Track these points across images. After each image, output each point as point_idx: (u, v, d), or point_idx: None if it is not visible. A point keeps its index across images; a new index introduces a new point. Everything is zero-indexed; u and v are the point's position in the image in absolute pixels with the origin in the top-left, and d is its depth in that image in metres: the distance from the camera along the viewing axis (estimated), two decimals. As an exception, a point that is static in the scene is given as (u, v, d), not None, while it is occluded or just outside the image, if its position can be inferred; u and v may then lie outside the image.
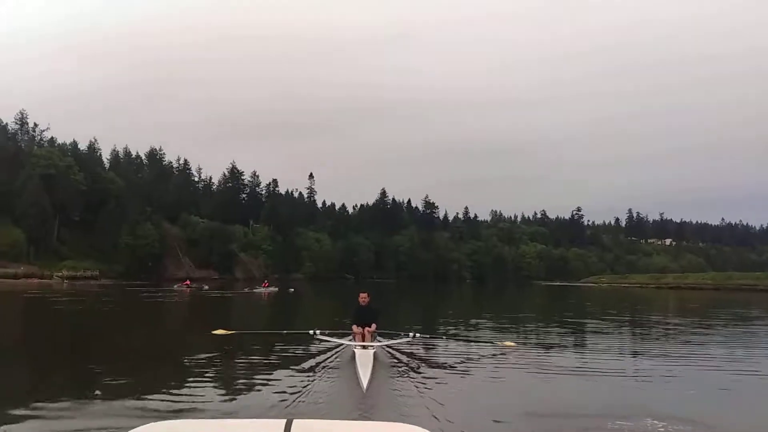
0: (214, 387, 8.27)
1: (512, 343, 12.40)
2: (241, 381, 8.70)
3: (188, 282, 55.45)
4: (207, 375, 9.24)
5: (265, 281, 53.50)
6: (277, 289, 49.42)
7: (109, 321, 22.38)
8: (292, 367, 9.81)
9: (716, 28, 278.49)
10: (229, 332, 11.98)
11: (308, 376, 8.85)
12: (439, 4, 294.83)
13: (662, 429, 6.40)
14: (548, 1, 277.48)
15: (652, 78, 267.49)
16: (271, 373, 9.26)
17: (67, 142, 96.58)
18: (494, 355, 11.85)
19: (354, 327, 11.17)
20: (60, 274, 65.77)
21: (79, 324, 20.99)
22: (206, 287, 54.25)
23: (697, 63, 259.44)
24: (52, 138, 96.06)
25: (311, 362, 10.26)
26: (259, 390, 7.99)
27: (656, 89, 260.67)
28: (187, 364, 10.24)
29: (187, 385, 8.44)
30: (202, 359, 10.73)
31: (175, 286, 51.11)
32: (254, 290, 47.68)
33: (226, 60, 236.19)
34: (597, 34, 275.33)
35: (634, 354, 13.88)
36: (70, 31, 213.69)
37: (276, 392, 7.74)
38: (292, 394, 7.59)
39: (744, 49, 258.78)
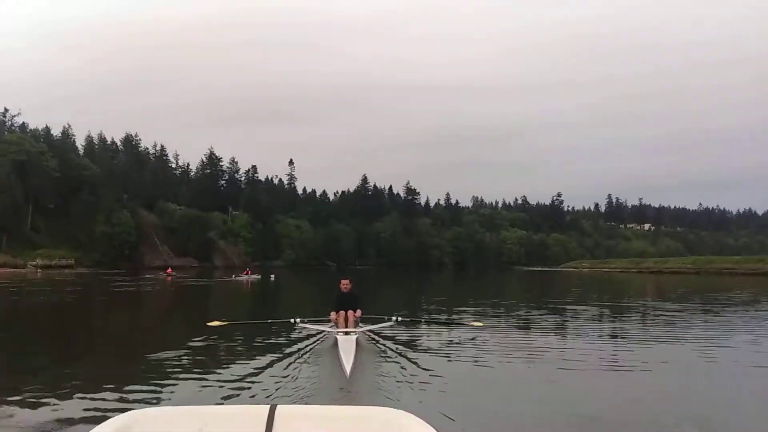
0: (196, 377, 8.05)
1: (480, 323, 12.32)
2: (222, 370, 8.48)
3: (170, 270, 54.15)
4: (187, 365, 8.98)
5: (247, 269, 52.94)
6: (259, 276, 48.88)
7: (87, 311, 21.85)
8: (274, 355, 9.65)
9: (699, 17, 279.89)
10: (224, 323, 11.44)
11: (291, 364, 8.76)
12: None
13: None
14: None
15: (632, 65, 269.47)
16: (253, 362, 9.10)
17: (40, 128, 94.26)
18: (475, 337, 11.90)
19: (332, 314, 10.97)
20: (34, 263, 63.95)
21: (58, 314, 20.41)
22: (187, 276, 53.94)
23: (674, 50, 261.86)
24: (23, 123, 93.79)
25: (293, 350, 10.11)
26: (241, 379, 7.86)
27: (635, 76, 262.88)
28: (167, 354, 9.87)
29: (168, 375, 8.21)
30: (183, 349, 10.47)
31: (161, 274, 50.27)
32: (236, 278, 47.08)
33: (205, 47, 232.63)
34: (576, 22, 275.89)
35: (616, 337, 13.72)
36: (49, 19, 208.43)
37: (258, 381, 7.70)
38: (275, 382, 7.55)
39: (726, 36, 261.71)
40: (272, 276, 49.76)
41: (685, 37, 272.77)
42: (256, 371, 8.31)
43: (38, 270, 60.10)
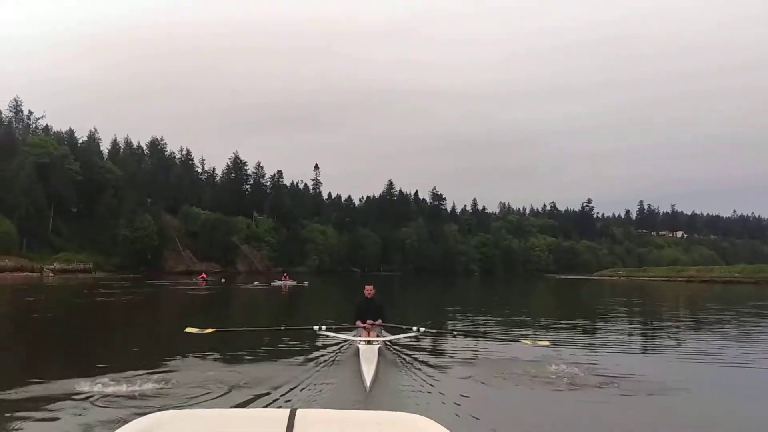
0: (215, 382, 7.89)
1: (545, 342, 10.71)
2: (241, 377, 8.30)
3: (204, 275, 54.20)
4: (206, 371, 8.77)
5: (285, 274, 52.85)
6: (295, 282, 48.42)
7: (104, 315, 21.51)
8: (294, 363, 9.66)
9: (729, 16, 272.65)
10: (206, 331, 10.53)
11: (310, 372, 8.71)
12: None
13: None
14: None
15: (663, 67, 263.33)
16: (273, 369, 9.02)
17: (63, 131, 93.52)
18: (508, 352, 11.21)
19: (358, 322, 10.91)
20: (51, 266, 62.41)
21: (78, 317, 20.30)
22: (223, 280, 53.86)
23: (707, 52, 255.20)
24: (47, 126, 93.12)
25: (314, 358, 10.10)
26: (260, 386, 7.77)
27: (668, 78, 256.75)
28: (183, 360, 9.84)
29: (186, 380, 7.99)
30: (199, 354, 10.36)
31: (193, 278, 50.87)
32: (273, 283, 46.80)
33: (233, 53, 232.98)
34: (606, 25, 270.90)
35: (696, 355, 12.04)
36: (75, 23, 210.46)
37: (276, 387, 7.66)
38: (293, 389, 7.56)
39: (756, 37, 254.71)
40: (305, 282, 49.39)
41: (714, 38, 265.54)
42: (275, 378, 8.18)
43: (50, 275, 58.37)
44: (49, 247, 73.50)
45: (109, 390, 7.18)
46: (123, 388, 7.24)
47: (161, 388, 7.40)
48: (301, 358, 10.01)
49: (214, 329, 10.75)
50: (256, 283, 47.35)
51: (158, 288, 40.80)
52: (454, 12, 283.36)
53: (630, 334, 16.45)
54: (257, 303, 30.47)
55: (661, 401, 7.47)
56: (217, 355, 10.45)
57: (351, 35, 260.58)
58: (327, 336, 11.11)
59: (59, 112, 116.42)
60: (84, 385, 7.32)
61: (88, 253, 75.93)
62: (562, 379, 8.44)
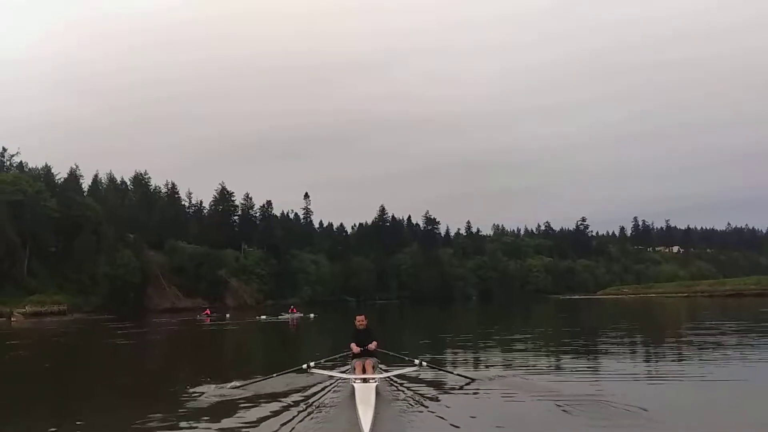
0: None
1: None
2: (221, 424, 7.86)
3: (208, 311, 52.63)
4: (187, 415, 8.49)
5: (292, 307, 52.31)
6: (302, 315, 47.62)
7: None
8: (283, 407, 8.73)
9: (718, 27, 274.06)
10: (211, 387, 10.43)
11: (296, 418, 7.93)
12: (435, 18, 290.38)
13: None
14: (541, 9, 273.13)
15: (649, 81, 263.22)
16: (255, 415, 8.29)
17: (39, 167, 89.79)
18: (519, 390, 9.90)
19: (353, 345, 10.61)
20: (22, 310, 57.92)
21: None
22: (228, 315, 52.58)
23: (693, 65, 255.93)
24: (21, 163, 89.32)
25: (304, 400, 9.17)
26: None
27: (654, 93, 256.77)
28: (164, 415, 8.74)
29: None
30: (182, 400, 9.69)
31: (198, 316, 50.05)
32: (280, 317, 45.62)
33: (218, 88, 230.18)
34: (596, 39, 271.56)
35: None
36: (61, 63, 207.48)
37: None
38: None
39: (738, 50, 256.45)
40: (312, 315, 48.05)
41: (706, 50, 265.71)
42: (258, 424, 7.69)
43: (13, 319, 53.56)
44: (25, 290, 69.06)
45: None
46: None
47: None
48: (290, 402, 9.11)
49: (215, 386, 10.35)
50: (263, 317, 46.00)
51: (146, 327, 39.08)
52: (441, 39, 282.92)
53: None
54: (269, 340, 29.46)
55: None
56: (186, 405, 9.40)
57: (338, 65, 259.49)
58: (318, 374, 10.48)
59: (43, 151, 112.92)
60: None
61: (67, 294, 71.67)
62: (583, 414, 7.84)
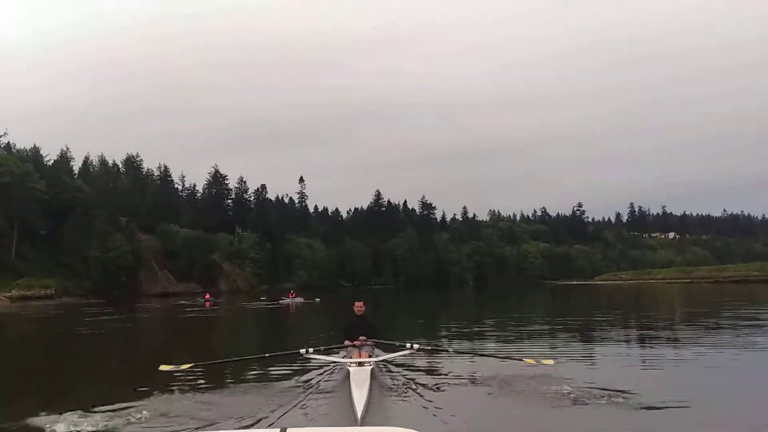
0: (189, 418, 7.26)
1: (549, 361, 9.42)
2: (221, 410, 7.66)
3: (208, 295, 52.09)
4: (181, 402, 8.17)
5: (292, 291, 51.59)
6: (302, 299, 47.02)
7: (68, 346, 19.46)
8: (278, 390, 8.96)
9: (715, 19, 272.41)
10: (182, 367, 9.51)
11: (294, 403, 7.89)
12: (433, 6, 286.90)
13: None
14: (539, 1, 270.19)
15: (647, 71, 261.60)
16: (255, 400, 8.15)
17: (28, 149, 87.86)
18: (510, 370, 9.81)
19: (346, 341, 10.38)
20: (9, 294, 56.50)
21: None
22: (221, 300, 52.53)
23: (690, 56, 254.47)
24: (8, 143, 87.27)
25: (300, 383, 9.44)
26: (241, 418, 7.10)
27: (652, 82, 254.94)
28: (161, 393, 8.75)
29: (163, 413, 7.45)
30: (177, 387, 9.39)
31: (198, 299, 49.93)
32: (280, 302, 45.04)
33: (212, 67, 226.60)
34: (591, 30, 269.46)
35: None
36: (50, 44, 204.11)
37: (258, 420, 7.01)
38: (279, 418, 7.08)
39: (740, 41, 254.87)
40: (317, 298, 48.15)
41: (697, 44, 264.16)
42: (256, 410, 7.48)
43: (-1, 301, 52.37)
44: (13, 272, 67.57)
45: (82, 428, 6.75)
46: (95, 426, 6.76)
47: (139, 423, 6.95)
48: (284, 385, 9.36)
49: (191, 364, 9.74)
50: (263, 298, 45.88)
51: (143, 312, 38.39)
52: (438, 23, 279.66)
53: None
54: (267, 324, 29.50)
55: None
56: (198, 387, 9.52)
57: (335, 47, 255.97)
58: (313, 359, 10.54)
59: (35, 134, 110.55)
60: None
61: (57, 277, 70.27)
62: (569, 396, 7.93)
